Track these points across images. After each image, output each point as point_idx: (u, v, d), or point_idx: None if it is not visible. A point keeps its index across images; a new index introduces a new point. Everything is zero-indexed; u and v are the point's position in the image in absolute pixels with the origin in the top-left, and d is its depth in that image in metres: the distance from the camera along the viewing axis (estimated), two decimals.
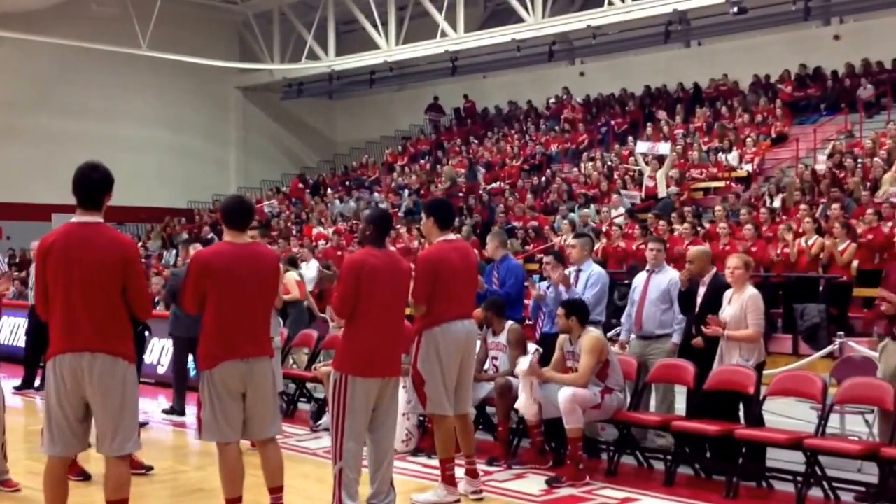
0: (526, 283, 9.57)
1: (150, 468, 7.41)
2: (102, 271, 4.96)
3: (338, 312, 6.00)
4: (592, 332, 7.44)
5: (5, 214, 24.33)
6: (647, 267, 8.55)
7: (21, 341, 13.00)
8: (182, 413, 9.71)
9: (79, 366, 4.93)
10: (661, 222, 15.14)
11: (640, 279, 8.56)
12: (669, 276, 8.31)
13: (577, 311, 7.49)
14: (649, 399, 8.27)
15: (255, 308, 5.57)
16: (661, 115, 23.14)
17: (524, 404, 7.49)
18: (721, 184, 18.89)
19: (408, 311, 6.46)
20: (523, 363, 7.41)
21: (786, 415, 7.97)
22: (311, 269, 15.49)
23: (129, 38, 25.07)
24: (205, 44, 27.87)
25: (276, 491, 5.67)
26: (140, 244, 21.08)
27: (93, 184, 5.07)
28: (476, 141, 26.20)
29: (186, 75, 28.05)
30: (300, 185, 27.34)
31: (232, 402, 5.50)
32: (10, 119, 25.88)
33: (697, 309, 7.94)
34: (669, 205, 16.73)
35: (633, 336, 8.57)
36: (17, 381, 11.52)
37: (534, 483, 7.14)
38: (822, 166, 16.79)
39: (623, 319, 8.78)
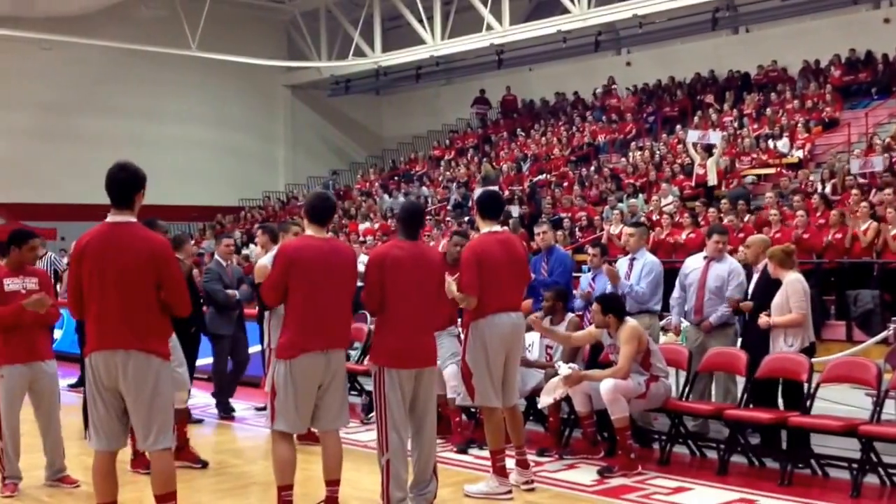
0: (574, 275, 9.57)
1: (206, 463, 7.54)
2: (134, 270, 5.03)
3: (365, 306, 6.07)
4: (629, 322, 7.39)
5: (60, 215, 24.76)
6: (705, 253, 8.46)
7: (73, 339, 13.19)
8: (230, 411, 9.82)
9: (113, 363, 5.03)
10: (711, 210, 15.00)
11: (694, 264, 8.47)
12: (730, 265, 8.22)
13: (614, 306, 7.44)
14: (710, 388, 8.23)
15: (335, 300, 5.67)
16: (709, 98, 22.91)
17: (546, 399, 7.49)
18: (772, 171, 18.65)
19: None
20: (564, 370, 7.38)
21: (840, 401, 7.87)
22: (360, 263, 15.85)
23: (178, 39, 25.42)
24: (253, 43, 28.15)
25: (332, 484, 5.72)
26: (193, 242, 21.30)
27: (121, 183, 5.15)
28: (523, 133, 26.15)
29: (235, 75, 28.37)
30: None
31: (307, 392, 5.61)
32: (62, 121, 26.41)
33: (749, 296, 7.91)
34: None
35: (687, 324, 8.52)
36: (72, 379, 11.74)
37: (586, 473, 7.13)
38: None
39: (672, 302, 8.70)
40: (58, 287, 12.51)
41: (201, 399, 10.24)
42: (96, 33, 24.88)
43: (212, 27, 25.55)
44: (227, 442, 9.00)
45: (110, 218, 5.17)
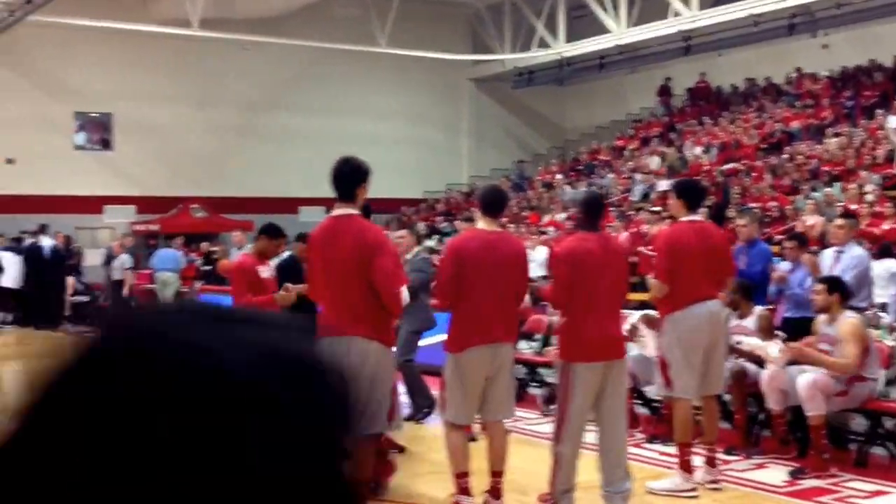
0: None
1: (403, 448, 7.72)
2: (351, 260, 5.26)
3: (552, 303, 6.04)
4: (853, 317, 7.01)
5: (256, 208, 25.94)
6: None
7: None
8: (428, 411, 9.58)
9: (339, 348, 5.24)
10: None
11: None
12: None
13: (840, 288, 7.09)
14: None
15: (504, 293, 5.70)
16: None
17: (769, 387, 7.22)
18: None
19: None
20: (773, 350, 7.11)
21: None
22: (539, 254, 16.07)
23: (368, 37, 26.23)
24: (439, 38, 28.63)
25: (496, 475, 5.77)
26: None
27: (343, 177, 5.40)
28: (710, 121, 25.40)
29: (422, 69, 28.94)
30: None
31: (475, 385, 5.69)
32: (258, 118, 27.73)
33: None
34: None
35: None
36: None
37: (776, 474, 6.89)
38: None
39: (889, 300, 8.25)
40: None
41: None
42: (292, 34, 25.96)
43: (400, 24, 26.21)
44: (410, 429, 9.19)
45: (335, 212, 5.44)
